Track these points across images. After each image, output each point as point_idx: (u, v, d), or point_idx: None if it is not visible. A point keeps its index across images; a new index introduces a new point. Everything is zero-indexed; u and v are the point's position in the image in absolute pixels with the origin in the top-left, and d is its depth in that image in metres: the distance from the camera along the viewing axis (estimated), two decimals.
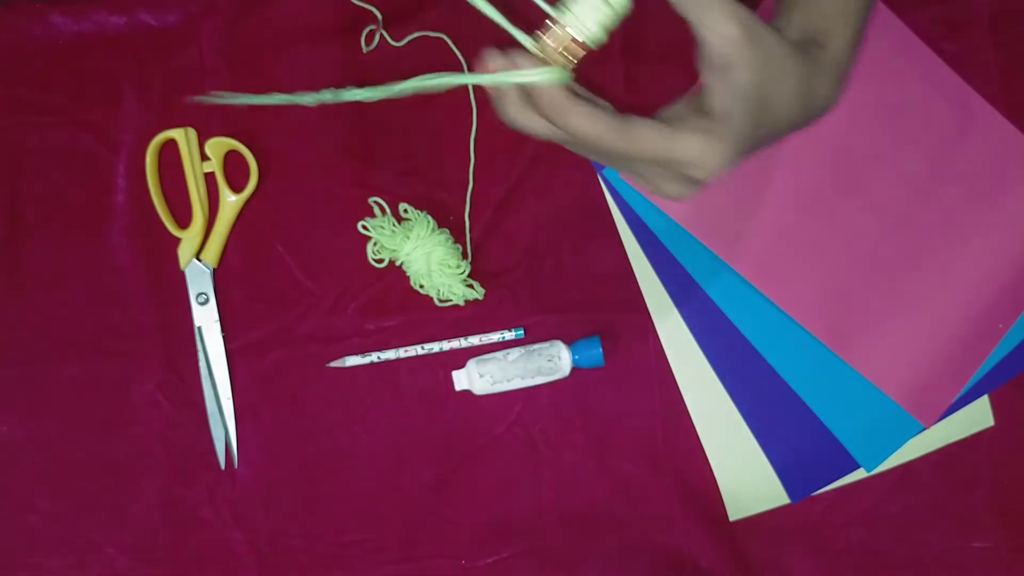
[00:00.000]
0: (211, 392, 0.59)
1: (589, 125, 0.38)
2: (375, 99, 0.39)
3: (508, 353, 0.58)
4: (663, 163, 0.39)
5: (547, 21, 0.38)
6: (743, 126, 0.38)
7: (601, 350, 0.58)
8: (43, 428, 0.59)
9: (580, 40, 0.38)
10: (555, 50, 0.38)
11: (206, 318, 0.59)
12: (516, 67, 0.38)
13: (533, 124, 0.39)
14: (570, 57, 0.38)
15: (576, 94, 0.38)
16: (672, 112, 0.41)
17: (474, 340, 0.59)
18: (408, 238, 0.56)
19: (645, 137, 0.38)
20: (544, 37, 0.38)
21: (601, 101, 0.39)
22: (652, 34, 0.60)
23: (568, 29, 0.38)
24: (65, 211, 0.60)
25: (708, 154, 0.38)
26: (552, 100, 0.37)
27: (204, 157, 0.60)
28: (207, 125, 0.60)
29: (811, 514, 0.60)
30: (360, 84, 0.63)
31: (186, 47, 0.61)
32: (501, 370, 0.57)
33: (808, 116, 0.42)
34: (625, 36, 0.61)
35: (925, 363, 0.59)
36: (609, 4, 0.37)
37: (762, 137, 0.40)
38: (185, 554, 0.59)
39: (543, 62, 0.38)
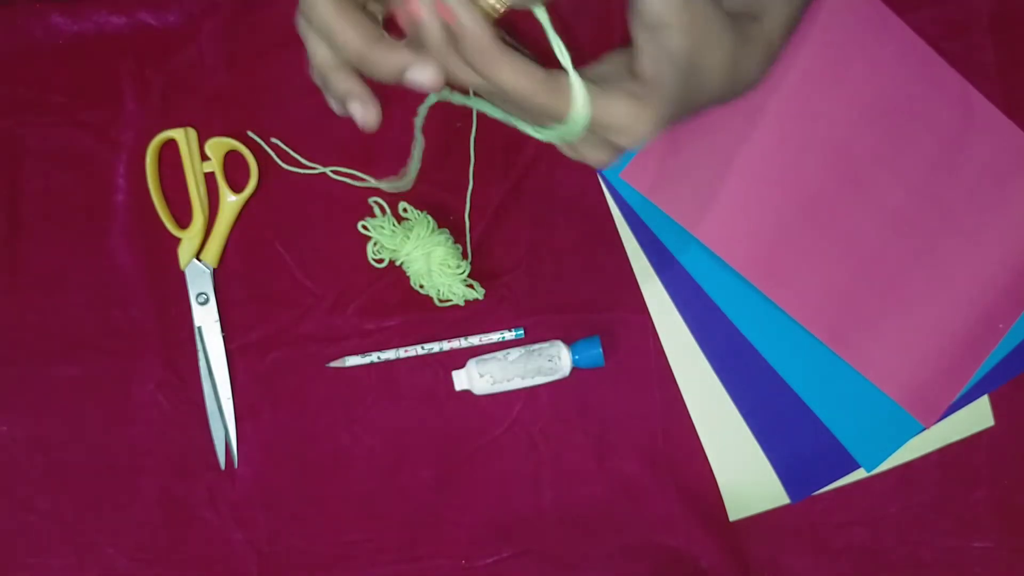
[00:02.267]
0: (211, 392, 0.59)
1: (515, 77, 0.35)
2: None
3: (508, 353, 0.58)
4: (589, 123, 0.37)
5: None
6: (672, 93, 0.37)
7: (601, 350, 0.58)
8: (43, 428, 0.59)
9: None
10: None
11: (206, 318, 0.59)
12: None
13: (458, 69, 0.36)
14: (496, 7, 0.36)
15: (504, 42, 0.35)
16: (599, 72, 0.39)
17: (474, 340, 0.59)
18: (408, 238, 0.56)
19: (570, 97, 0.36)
20: None
21: (526, 52, 0.37)
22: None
23: None
24: (65, 211, 0.60)
25: (636, 120, 0.37)
26: (479, 45, 0.35)
27: (204, 157, 0.60)
28: (207, 125, 0.60)
29: (811, 514, 0.60)
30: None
31: (186, 47, 0.61)
32: (501, 370, 0.57)
33: (733, 91, 0.41)
34: (625, 36, 0.60)
35: (925, 363, 0.59)
36: None
37: (687, 107, 0.39)
38: (185, 554, 0.59)
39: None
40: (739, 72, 0.40)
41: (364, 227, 0.58)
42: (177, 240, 0.59)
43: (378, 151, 0.61)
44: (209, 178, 0.60)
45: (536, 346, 0.58)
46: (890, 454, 0.59)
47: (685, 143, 0.57)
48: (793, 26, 0.43)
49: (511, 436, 0.60)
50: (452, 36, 0.36)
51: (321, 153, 0.61)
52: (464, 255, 0.59)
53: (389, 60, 0.37)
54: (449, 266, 0.57)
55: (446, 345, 0.59)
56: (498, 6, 0.36)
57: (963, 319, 0.59)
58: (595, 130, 0.37)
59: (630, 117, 0.37)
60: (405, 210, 0.58)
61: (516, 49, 0.36)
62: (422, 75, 0.36)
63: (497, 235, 0.60)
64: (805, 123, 0.58)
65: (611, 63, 0.40)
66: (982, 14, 0.61)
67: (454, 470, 0.60)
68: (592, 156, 0.40)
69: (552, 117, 0.37)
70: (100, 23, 0.60)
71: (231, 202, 0.60)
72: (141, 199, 0.60)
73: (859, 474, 0.60)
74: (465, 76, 0.37)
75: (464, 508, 0.60)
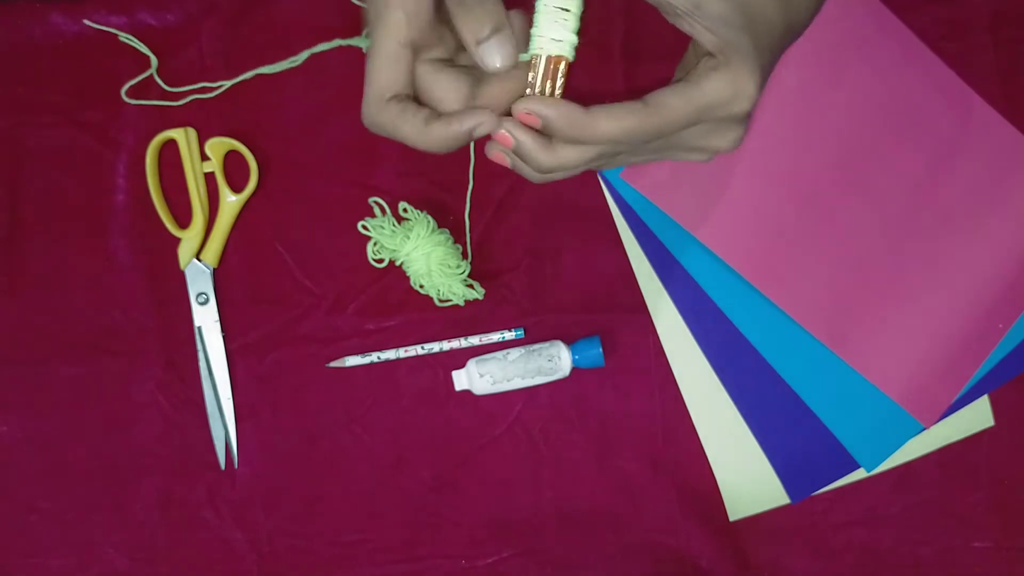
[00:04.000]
0: (211, 392, 0.59)
1: (617, 123, 0.38)
2: None
3: (508, 353, 0.58)
4: (702, 117, 0.39)
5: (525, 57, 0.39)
6: (744, 46, 0.38)
7: (601, 350, 0.58)
8: (43, 428, 0.59)
9: (558, 54, 0.39)
10: (544, 77, 0.39)
11: (206, 318, 0.59)
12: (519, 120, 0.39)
13: (565, 156, 0.39)
14: (559, 76, 0.39)
15: (585, 107, 0.38)
16: (676, 77, 0.41)
17: (474, 340, 0.59)
18: (408, 238, 0.56)
19: (672, 106, 0.38)
20: (530, 73, 0.39)
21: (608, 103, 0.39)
22: (652, 34, 0.60)
23: (543, 51, 0.39)
24: (65, 211, 0.60)
25: (737, 81, 0.38)
26: (569, 119, 0.38)
27: (204, 157, 0.60)
28: (207, 125, 0.60)
29: (811, 514, 0.60)
30: (361, 84, 0.64)
31: (186, 47, 0.61)
32: (501, 370, 0.57)
33: (798, 18, 0.43)
34: (625, 36, 0.61)
35: (925, 363, 0.59)
36: (566, 8, 0.38)
37: (766, 50, 0.40)
38: (185, 554, 0.59)
39: (540, 89, 0.39)
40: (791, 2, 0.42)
41: (364, 227, 0.58)
42: (177, 240, 0.59)
43: (378, 151, 0.61)
44: (209, 178, 0.60)
45: (536, 346, 0.58)
46: (890, 454, 0.59)
47: None
48: None
49: (511, 436, 0.60)
50: (542, 135, 0.40)
51: (321, 153, 0.61)
52: (464, 255, 0.59)
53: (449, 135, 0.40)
54: (449, 266, 0.57)
55: (446, 345, 0.59)
56: (559, 75, 0.39)
57: (963, 319, 0.59)
58: (709, 114, 0.39)
59: (731, 82, 0.38)
60: (405, 210, 0.58)
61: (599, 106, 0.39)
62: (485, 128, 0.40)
63: (497, 235, 0.60)
64: (805, 123, 0.59)
65: (681, 67, 0.42)
66: (982, 14, 0.61)
67: (454, 470, 0.60)
68: (722, 141, 0.42)
69: (662, 137, 0.39)
70: (100, 23, 0.60)
71: (231, 202, 0.60)
72: (141, 199, 0.60)
73: (859, 474, 0.60)
74: (572, 156, 0.40)
75: (464, 508, 0.60)
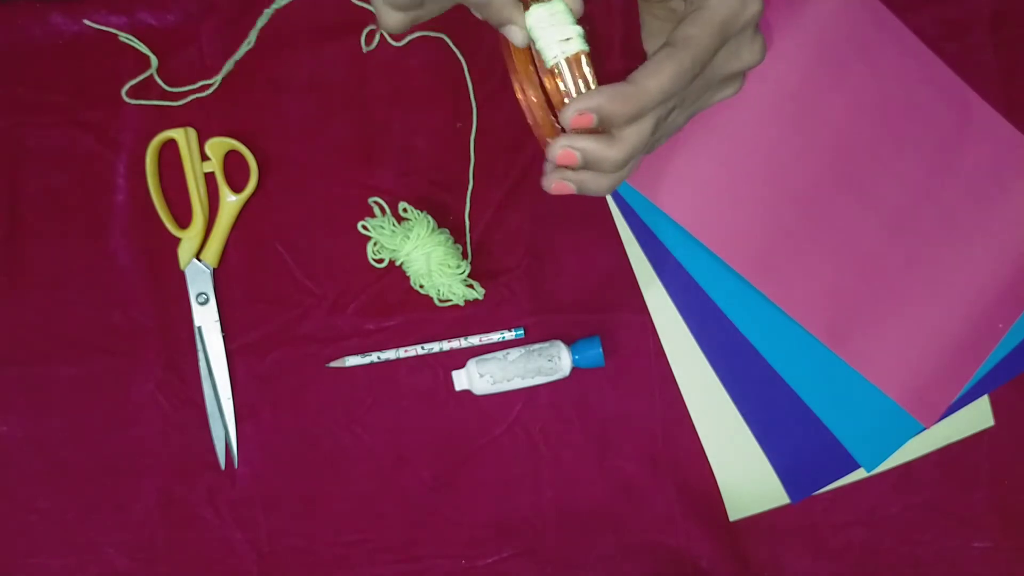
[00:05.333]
0: (211, 392, 0.59)
1: (659, 75, 0.38)
2: None
3: (508, 353, 0.58)
4: (724, 35, 0.40)
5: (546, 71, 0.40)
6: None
7: (601, 350, 0.58)
8: (43, 428, 0.59)
9: (575, 52, 0.39)
10: (574, 78, 0.39)
11: (206, 318, 0.59)
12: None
13: (630, 139, 0.39)
14: (586, 68, 0.40)
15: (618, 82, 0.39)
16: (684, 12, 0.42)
17: (474, 340, 0.59)
18: (408, 238, 0.56)
19: (694, 35, 0.39)
20: (559, 84, 0.40)
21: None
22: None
23: (559, 56, 0.39)
24: (65, 211, 0.60)
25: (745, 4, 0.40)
26: (618, 95, 0.38)
27: (204, 157, 0.60)
28: (207, 125, 0.60)
29: (811, 514, 0.60)
30: (361, 84, 0.64)
31: (186, 47, 0.61)
32: (501, 370, 0.57)
33: None
34: (625, 35, 0.61)
35: (925, 363, 0.59)
36: (552, 12, 0.39)
37: None
38: (185, 554, 0.59)
39: (576, 89, 0.39)
40: None
41: (364, 227, 0.58)
42: (177, 240, 0.59)
43: (378, 151, 0.61)
44: (209, 178, 0.60)
45: (536, 346, 0.58)
46: (890, 454, 0.59)
47: (685, 144, 0.57)
48: None
49: (511, 436, 0.60)
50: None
51: (321, 153, 0.61)
52: (464, 255, 0.59)
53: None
54: (449, 266, 0.57)
55: (446, 345, 0.59)
56: (586, 68, 0.40)
57: (963, 319, 0.59)
58: (728, 31, 0.40)
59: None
60: (405, 210, 0.58)
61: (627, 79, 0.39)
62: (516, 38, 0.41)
63: (497, 235, 0.60)
64: (805, 124, 0.58)
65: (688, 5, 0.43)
66: (982, 15, 0.61)
67: (454, 470, 0.60)
68: (750, 55, 0.43)
69: (696, 67, 0.40)
70: (100, 23, 0.60)
71: (231, 202, 0.60)
72: (141, 199, 0.60)
73: (859, 474, 0.60)
74: (636, 135, 0.40)
75: (464, 508, 0.60)
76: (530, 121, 0.45)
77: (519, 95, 0.45)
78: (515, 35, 0.40)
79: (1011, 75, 0.61)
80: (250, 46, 0.59)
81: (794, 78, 0.58)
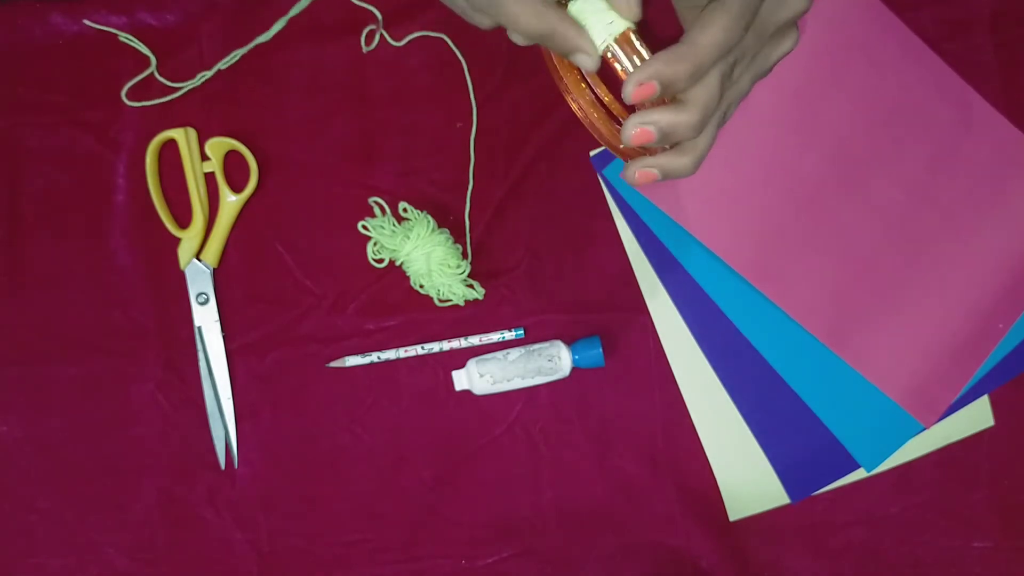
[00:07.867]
0: (211, 392, 0.59)
1: (710, 27, 0.38)
2: None
3: (508, 353, 0.58)
4: None
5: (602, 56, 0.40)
6: None
7: (601, 350, 0.58)
8: (43, 428, 0.59)
9: (622, 31, 0.39)
10: (627, 55, 0.39)
11: (206, 318, 0.59)
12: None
13: (700, 100, 0.39)
14: (636, 43, 0.39)
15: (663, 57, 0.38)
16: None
17: (474, 340, 0.59)
18: (408, 238, 0.56)
19: (736, 8, 0.38)
20: (615, 65, 0.40)
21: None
22: (655, 33, 0.60)
23: (608, 39, 0.39)
24: (65, 211, 0.60)
25: None
26: (675, 57, 0.38)
27: (204, 157, 0.60)
28: (207, 125, 0.60)
29: (811, 514, 0.60)
30: (361, 84, 0.64)
31: (186, 47, 0.61)
32: (501, 370, 0.57)
33: None
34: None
35: (925, 363, 0.59)
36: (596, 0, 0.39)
37: None
38: (185, 554, 0.59)
39: (633, 66, 0.39)
40: None
41: (364, 227, 0.58)
42: (177, 240, 0.59)
43: (378, 151, 0.61)
44: (209, 178, 0.60)
45: (536, 346, 0.58)
46: (890, 454, 0.59)
47: None
48: None
49: (511, 436, 0.60)
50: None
51: (321, 153, 0.61)
52: (464, 255, 0.59)
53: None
54: (449, 266, 0.57)
55: (446, 345, 0.59)
56: (631, 33, 0.40)
57: (963, 319, 0.59)
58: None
59: None
60: (405, 210, 0.58)
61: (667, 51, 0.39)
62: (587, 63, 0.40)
63: (497, 235, 0.60)
64: (805, 123, 0.59)
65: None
66: (982, 14, 0.61)
67: (454, 470, 0.60)
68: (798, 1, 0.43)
69: (747, 15, 0.40)
70: (100, 23, 0.60)
71: (231, 202, 0.60)
72: (141, 199, 0.60)
73: (859, 474, 0.60)
74: (704, 95, 0.40)
75: (464, 508, 0.60)
76: (597, 137, 0.45)
77: (578, 113, 0.45)
78: (585, 62, 0.40)
79: (1011, 75, 0.61)
80: (267, 39, 0.60)
81: (795, 78, 0.58)
